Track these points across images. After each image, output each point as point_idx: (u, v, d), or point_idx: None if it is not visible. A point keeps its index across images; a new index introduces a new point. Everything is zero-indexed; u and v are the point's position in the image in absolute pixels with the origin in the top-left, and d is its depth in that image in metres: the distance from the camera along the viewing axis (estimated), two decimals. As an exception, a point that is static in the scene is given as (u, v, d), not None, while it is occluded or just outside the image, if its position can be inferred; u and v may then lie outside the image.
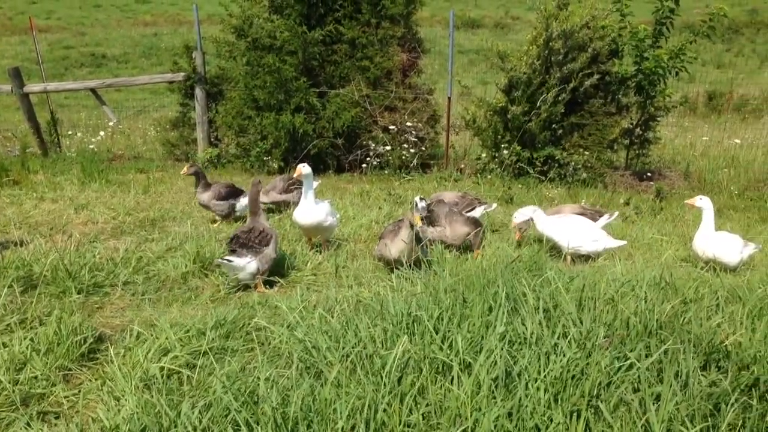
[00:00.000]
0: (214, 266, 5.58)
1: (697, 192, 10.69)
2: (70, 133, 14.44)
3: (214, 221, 7.58)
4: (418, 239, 5.65)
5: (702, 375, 3.38)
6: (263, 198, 8.09)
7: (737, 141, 13.49)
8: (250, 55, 11.43)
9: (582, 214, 7.01)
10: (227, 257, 5.26)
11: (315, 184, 6.67)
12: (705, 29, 11.18)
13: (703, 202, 6.41)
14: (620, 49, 11.27)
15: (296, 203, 7.72)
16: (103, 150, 13.04)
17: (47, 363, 3.84)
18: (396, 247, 5.52)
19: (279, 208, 8.10)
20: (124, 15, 39.01)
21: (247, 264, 5.30)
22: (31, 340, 4.04)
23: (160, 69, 23.64)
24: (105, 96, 13.67)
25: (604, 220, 6.94)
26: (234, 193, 7.61)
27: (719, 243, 6.24)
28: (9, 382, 3.62)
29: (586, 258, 6.40)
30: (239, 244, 5.41)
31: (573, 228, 6.44)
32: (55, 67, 25.34)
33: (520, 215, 6.73)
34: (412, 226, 5.46)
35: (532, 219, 6.69)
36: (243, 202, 7.59)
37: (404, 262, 5.41)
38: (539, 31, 10.90)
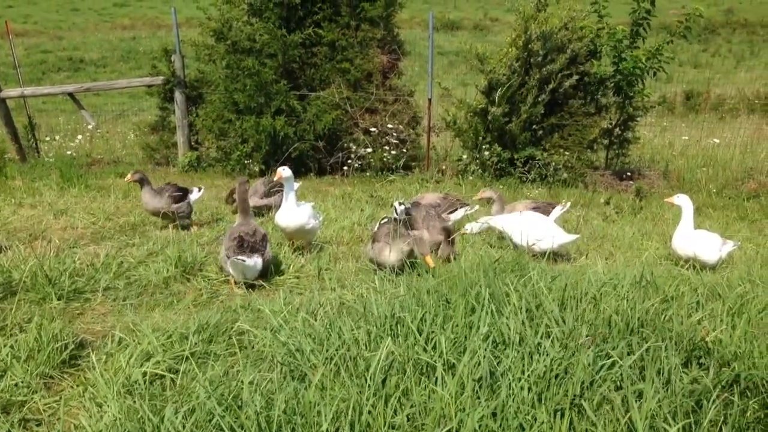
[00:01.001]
0: (228, 265, 5.44)
1: (676, 191, 10.80)
2: (48, 138, 14.29)
3: (182, 227, 7.31)
4: (447, 233, 5.96)
5: (683, 372, 3.41)
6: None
7: (716, 141, 13.65)
8: (230, 58, 11.39)
9: (535, 207, 7.09)
10: (240, 257, 5.30)
11: (296, 186, 6.63)
12: (682, 30, 11.31)
13: (682, 200, 6.48)
14: (598, 50, 11.36)
15: (278, 207, 7.71)
16: (82, 155, 12.92)
17: (28, 370, 3.80)
18: (396, 254, 5.51)
19: (261, 212, 8.07)
20: (102, 19, 38.72)
21: (255, 263, 5.40)
22: (11, 347, 3.98)
23: (138, 73, 23.50)
24: (83, 100, 13.57)
25: (557, 211, 7.01)
26: (184, 193, 7.39)
27: (698, 241, 6.30)
28: (-11, 390, 3.57)
29: (543, 254, 6.35)
30: (248, 246, 5.47)
31: (527, 225, 6.45)
32: (32, 71, 25.11)
33: (474, 226, 6.85)
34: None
35: (487, 222, 6.80)
36: (193, 199, 7.47)
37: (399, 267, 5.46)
38: (518, 33, 10.98)
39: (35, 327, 4.10)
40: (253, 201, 8.02)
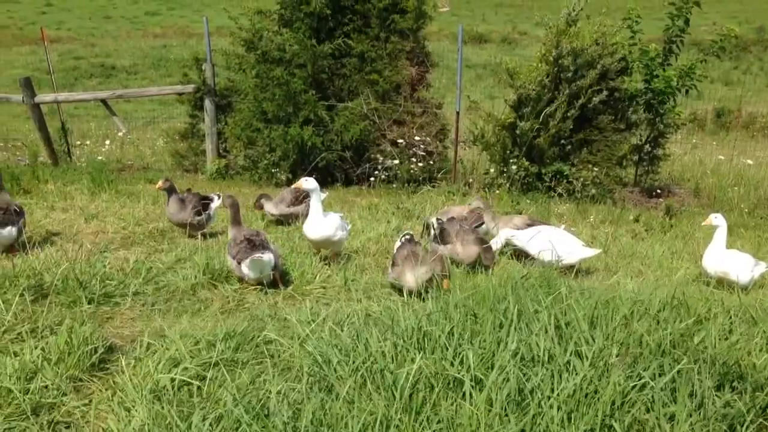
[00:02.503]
0: (245, 265, 5.51)
1: (707, 209, 10.68)
2: (79, 143, 14.50)
3: (191, 236, 7.26)
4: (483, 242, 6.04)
5: (716, 396, 3.35)
6: (272, 210, 8.09)
7: (749, 162, 13.46)
8: (260, 67, 11.48)
9: (530, 224, 7.03)
10: (257, 254, 5.42)
11: (322, 196, 6.63)
12: (715, 50, 11.21)
13: (719, 220, 6.39)
14: (630, 66, 11.28)
15: (305, 215, 7.74)
16: (113, 160, 13.09)
17: (58, 372, 3.83)
18: (416, 279, 5.38)
19: (287, 220, 8.09)
20: (134, 26, 39.29)
21: (270, 258, 5.53)
22: (42, 349, 4.03)
23: (168, 80, 23.78)
24: (114, 107, 13.75)
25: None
26: (206, 203, 7.41)
27: (730, 261, 6.21)
28: (20, 392, 3.61)
29: (568, 268, 6.30)
30: (258, 245, 5.59)
31: (550, 241, 6.37)
32: (65, 77, 25.50)
33: (498, 242, 6.85)
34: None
35: (508, 238, 6.77)
36: (213, 207, 7.45)
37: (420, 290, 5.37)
38: (548, 48, 10.93)
39: (66, 330, 4.15)
40: (280, 209, 8.05)
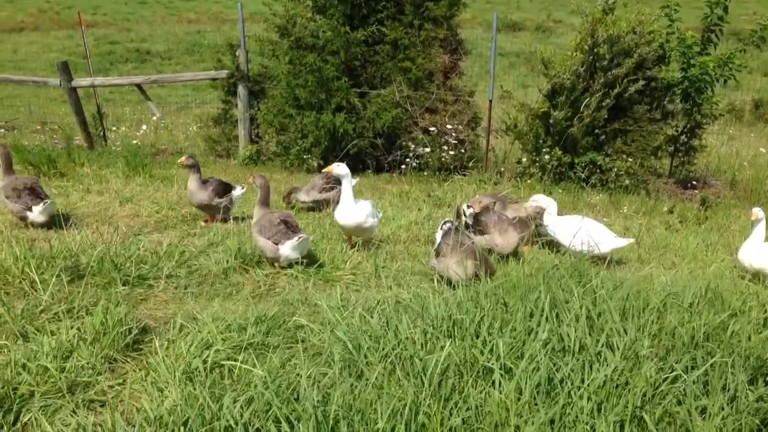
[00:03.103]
0: (289, 246, 5.62)
1: (744, 202, 10.50)
2: (114, 127, 14.70)
3: (205, 221, 7.30)
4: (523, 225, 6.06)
5: (749, 390, 3.31)
6: (304, 197, 8.13)
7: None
8: (293, 54, 11.51)
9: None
10: (301, 235, 5.66)
11: (353, 182, 6.61)
12: (756, 39, 10.99)
13: (761, 214, 6.28)
14: (667, 55, 11.09)
15: (336, 202, 7.75)
16: (147, 144, 13.24)
17: (93, 352, 3.91)
18: (463, 271, 5.28)
19: (319, 206, 8.13)
20: (169, 12, 39.57)
21: (308, 238, 5.82)
22: (78, 329, 4.11)
23: (202, 66, 23.92)
24: (149, 91, 13.89)
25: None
26: (227, 188, 7.32)
27: (767, 254, 6.10)
28: (56, 370, 3.69)
29: (601, 258, 6.24)
30: (295, 226, 5.80)
31: (583, 230, 6.28)
32: (100, 61, 25.78)
33: (537, 201, 6.80)
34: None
35: (545, 211, 6.70)
36: (235, 195, 7.36)
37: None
38: (584, 37, 10.79)
39: (101, 311, 4.23)
40: (312, 195, 8.09)
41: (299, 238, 5.60)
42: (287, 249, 5.63)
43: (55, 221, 6.64)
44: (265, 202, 6.19)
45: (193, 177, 7.16)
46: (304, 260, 5.74)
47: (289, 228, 5.71)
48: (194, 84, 21.17)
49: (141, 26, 34.92)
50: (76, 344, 3.99)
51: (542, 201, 6.87)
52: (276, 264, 5.75)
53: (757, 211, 6.30)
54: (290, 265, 5.73)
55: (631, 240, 6.56)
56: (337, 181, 7.66)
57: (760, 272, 6.07)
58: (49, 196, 6.71)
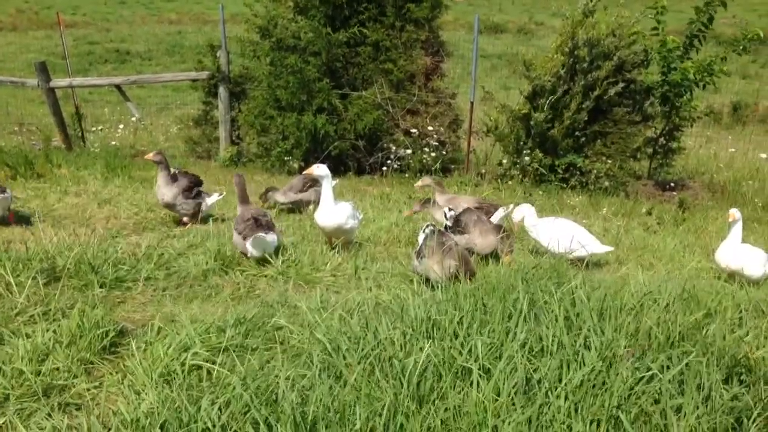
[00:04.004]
0: (249, 242, 5.68)
1: (721, 203, 10.61)
2: (93, 128, 14.58)
3: (182, 223, 7.22)
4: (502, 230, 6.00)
5: (724, 389, 3.34)
6: (281, 198, 8.11)
7: (764, 156, 13.34)
8: (274, 55, 11.49)
9: (479, 207, 7.01)
10: (261, 233, 5.68)
11: (333, 183, 6.60)
12: (739, 50, 11.13)
13: (738, 215, 6.35)
14: (648, 58, 11.19)
15: (315, 202, 7.77)
16: (126, 146, 13.15)
17: (69, 355, 3.87)
18: (445, 272, 5.25)
19: (298, 207, 8.12)
20: (149, 12, 39.31)
21: (273, 239, 5.84)
22: (54, 332, 4.07)
23: (183, 67, 23.80)
24: (128, 92, 13.79)
25: (500, 213, 6.90)
26: (198, 189, 7.18)
27: (743, 256, 6.17)
28: (31, 373, 3.65)
29: (578, 261, 6.26)
30: (264, 224, 5.83)
31: (562, 233, 6.32)
32: (79, 62, 25.57)
33: (519, 213, 6.84)
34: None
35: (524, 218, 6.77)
36: (209, 201, 7.28)
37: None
38: (564, 39, 10.87)
39: (78, 313, 4.18)
40: (289, 197, 8.07)
41: (254, 236, 5.67)
42: (249, 245, 5.73)
43: (30, 221, 6.57)
44: (243, 199, 6.31)
45: (161, 174, 7.06)
46: (285, 259, 5.73)
47: (258, 224, 5.78)
48: (174, 85, 21.05)
49: (121, 26, 34.68)
50: (51, 347, 3.94)
51: (520, 210, 6.87)
52: (250, 258, 5.84)
53: (734, 212, 6.37)
54: (263, 261, 5.78)
55: (611, 248, 6.58)
56: (315, 182, 7.68)
57: (736, 273, 6.14)
58: (6, 190, 6.65)
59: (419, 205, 7.42)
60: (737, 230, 6.29)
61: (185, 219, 7.20)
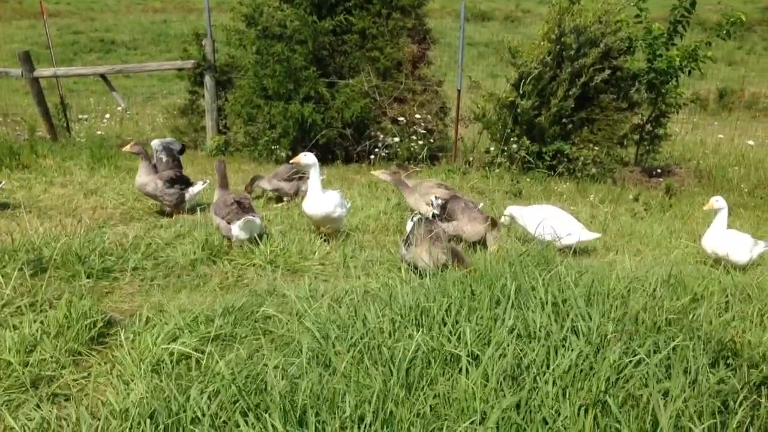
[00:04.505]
0: (237, 226, 5.82)
1: (707, 189, 10.68)
2: (78, 118, 14.46)
3: (166, 213, 7.22)
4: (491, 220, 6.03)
5: (711, 372, 3.37)
6: (266, 186, 8.07)
7: (750, 143, 13.42)
8: (260, 43, 11.41)
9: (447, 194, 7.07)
10: (249, 216, 5.84)
11: (322, 176, 6.57)
12: (722, 34, 11.13)
13: (720, 203, 6.39)
14: (633, 45, 11.20)
15: (295, 192, 7.81)
16: (112, 136, 13.06)
17: (57, 346, 3.86)
18: (433, 261, 5.21)
19: (283, 195, 8.07)
20: (134, 1, 38.97)
21: (260, 221, 6.02)
22: (41, 323, 4.05)
23: (168, 56, 23.63)
24: (114, 82, 13.68)
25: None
26: (181, 179, 7.21)
27: (729, 241, 6.22)
28: (19, 364, 3.64)
29: (567, 248, 6.31)
30: (247, 207, 5.99)
31: (550, 220, 6.33)
32: (64, 52, 25.34)
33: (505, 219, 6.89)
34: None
35: (511, 214, 6.80)
36: (194, 190, 7.29)
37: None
38: (551, 26, 10.85)
39: (65, 304, 4.17)
40: (273, 184, 8.02)
41: (245, 219, 5.81)
42: (236, 228, 5.84)
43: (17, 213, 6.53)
44: (222, 184, 6.39)
45: (142, 164, 7.08)
46: (273, 249, 5.73)
47: (241, 208, 5.91)
48: (160, 74, 20.92)
49: (105, 15, 34.38)
50: (39, 338, 3.93)
51: (507, 213, 6.91)
52: (231, 241, 5.95)
53: (714, 201, 6.41)
54: (250, 250, 5.84)
55: (598, 234, 6.61)
56: (301, 171, 7.72)
57: (722, 258, 6.18)
58: None
59: (389, 174, 7.41)
60: (723, 216, 6.33)
61: (168, 209, 7.19)
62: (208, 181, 7.58)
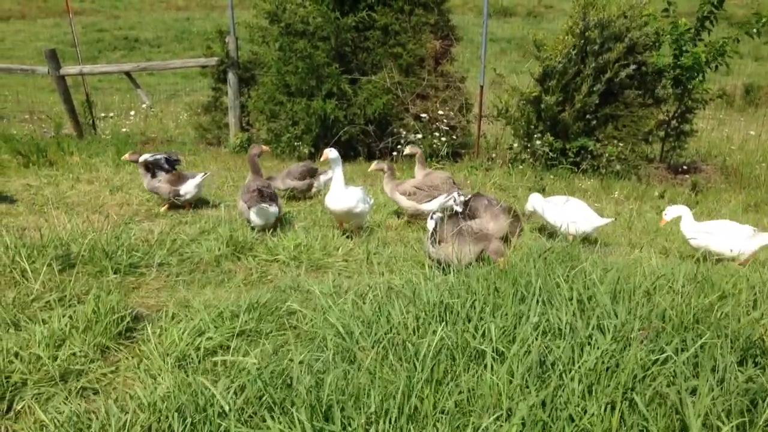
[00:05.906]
0: (252, 212, 6.18)
1: (734, 186, 10.55)
2: (103, 115, 14.61)
3: (169, 207, 7.37)
4: (514, 214, 6.17)
5: (739, 370, 3.33)
6: (279, 185, 8.07)
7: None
8: (283, 40, 11.44)
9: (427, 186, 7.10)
10: (264, 204, 6.20)
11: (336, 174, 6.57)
12: (752, 32, 11.00)
13: (677, 210, 6.39)
14: (659, 41, 11.08)
15: (306, 190, 7.94)
16: (137, 133, 13.18)
17: (85, 340, 3.91)
18: (467, 256, 5.20)
19: (295, 194, 8.06)
20: (158, -1, 39.25)
21: (275, 210, 6.35)
22: (70, 317, 4.10)
23: (191, 53, 23.80)
24: (138, 79, 13.80)
25: (441, 200, 7.01)
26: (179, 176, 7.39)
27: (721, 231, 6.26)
28: (48, 358, 3.69)
29: (582, 236, 6.52)
30: (267, 195, 6.29)
31: (569, 210, 6.58)
32: (88, 49, 25.59)
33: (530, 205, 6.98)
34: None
35: (533, 206, 6.89)
36: (188, 186, 7.34)
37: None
38: (575, 20, 10.77)
39: (93, 299, 4.22)
40: (286, 183, 8.03)
41: (259, 206, 6.15)
42: (252, 214, 6.20)
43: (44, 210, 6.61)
44: (254, 171, 6.86)
45: (140, 170, 7.45)
46: (297, 245, 5.75)
47: (261, 195, 6.21)
48: (184, 71, 21.05)
49: (129, 13, 34.66)
50: (68, 332, 3.98)
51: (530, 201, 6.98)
52: (252, 225, 6.32)
53: (666, 215, 6.50)
54: (265, 229, 6.21)
55: (611, 219, 6.84)
56: (315, 170, 7.80)
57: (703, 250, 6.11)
58: None
59: (383, 163, 7.42)
60: (687, 217, 6.40)
61: (168, 203, 7.39)
62: (208, 173, 7.62)
